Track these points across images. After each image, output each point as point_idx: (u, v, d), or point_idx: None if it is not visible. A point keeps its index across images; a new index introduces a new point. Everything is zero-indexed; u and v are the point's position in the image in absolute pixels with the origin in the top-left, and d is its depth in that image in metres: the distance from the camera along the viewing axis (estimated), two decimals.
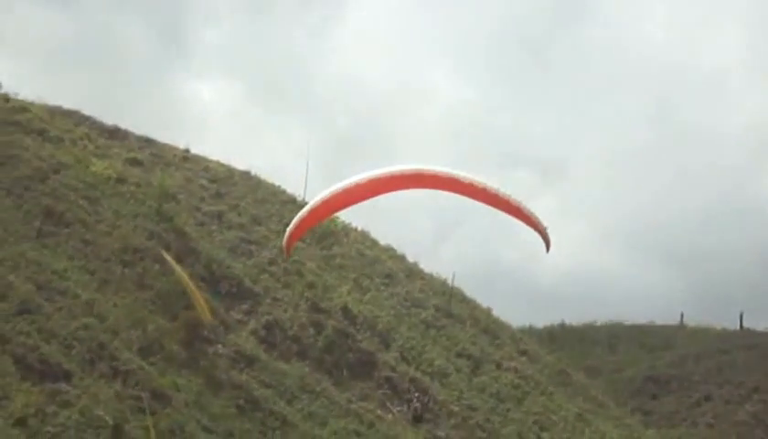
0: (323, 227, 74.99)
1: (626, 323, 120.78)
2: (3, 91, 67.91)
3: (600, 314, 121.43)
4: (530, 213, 23.40)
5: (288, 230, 24.54)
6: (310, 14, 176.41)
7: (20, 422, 37.21)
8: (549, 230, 23.84)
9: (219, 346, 54.37)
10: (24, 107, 66.43)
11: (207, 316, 55.76)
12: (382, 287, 72.83)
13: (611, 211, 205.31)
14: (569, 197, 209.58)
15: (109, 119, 76.20)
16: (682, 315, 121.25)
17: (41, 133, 64.22)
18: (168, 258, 55.14)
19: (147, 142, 76.25)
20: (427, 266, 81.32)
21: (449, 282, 79.69)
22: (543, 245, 23.66)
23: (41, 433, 37.55)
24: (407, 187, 23.74)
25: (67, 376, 42.10)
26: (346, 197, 23.44)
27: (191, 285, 50.30)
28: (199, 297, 54.28)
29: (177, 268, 57.06)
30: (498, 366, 71.78)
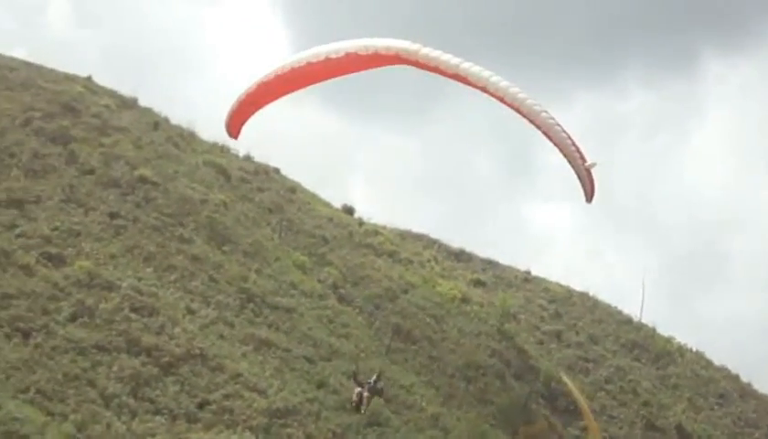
0: (658, 347, 72.93)
1: None
2: (357, 215, 69.54)
3: None
4: (567, 141, 19.23)
5: (228, 113, 21.78)
6: (653, 141, 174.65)
7: None
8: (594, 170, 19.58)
9: None
10: (376, 231, 67.66)
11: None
12: (716, 407, 69.78)
13: None
14: None
15: (455, 242, 76.65)
16: None
17: (392, 255, 65.10)
18: (567, 380, 54.61)
19: (490, 264, 76.14)
20: (761, 386, 77.41)
21: None
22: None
23: None
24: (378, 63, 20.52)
25: None
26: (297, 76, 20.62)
27: (586, 408, 49.38)
28: (591, 419, 53.42)
29: (575, 390, 56.43)
30: None
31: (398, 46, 20.22)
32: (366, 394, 27.93)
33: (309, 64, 21.02)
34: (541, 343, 65.79)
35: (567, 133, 19.66)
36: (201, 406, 39.60)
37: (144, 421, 36.97)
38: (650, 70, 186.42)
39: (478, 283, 70.37)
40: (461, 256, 75.25)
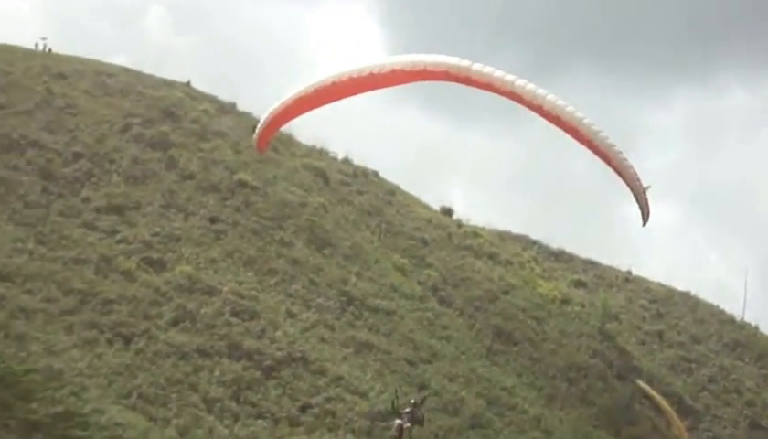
0: (761, 346, 71.28)
1: None
2: (456, 217, 68.86)
3: None
4: (626, 162, 18.70)
5: (261, 123, 21.34)
6: (753, 138, 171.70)
7: None
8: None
9: None
10: (475, 232, 66.90)
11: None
12: None
13: None
14: None
15: (555, 243, 75.63)
16: None
17: (491, 256, 64.29)
18: (644, 385, 53.55)
19: (591, 264, 75.02)
20: None
21: None
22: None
23: None
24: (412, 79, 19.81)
25: None
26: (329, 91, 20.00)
27: (669, 408, 48.34)
28: (677, 420, 52.38)
29: (655, 394, 55.35)
30: None
31: (448, 62, 19.45)
32: (406, 425, 26.71)
33: (351, 79, 20.43)
34: (643, 343, 64.72)
35: (624, 155, 18.95)
36: (303, 409, 39.32)
37: (247, 425, 36.76)
38: (750, 68, 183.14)
39: (579, 284, 69.40)
40: (561, 257, 74.25)
